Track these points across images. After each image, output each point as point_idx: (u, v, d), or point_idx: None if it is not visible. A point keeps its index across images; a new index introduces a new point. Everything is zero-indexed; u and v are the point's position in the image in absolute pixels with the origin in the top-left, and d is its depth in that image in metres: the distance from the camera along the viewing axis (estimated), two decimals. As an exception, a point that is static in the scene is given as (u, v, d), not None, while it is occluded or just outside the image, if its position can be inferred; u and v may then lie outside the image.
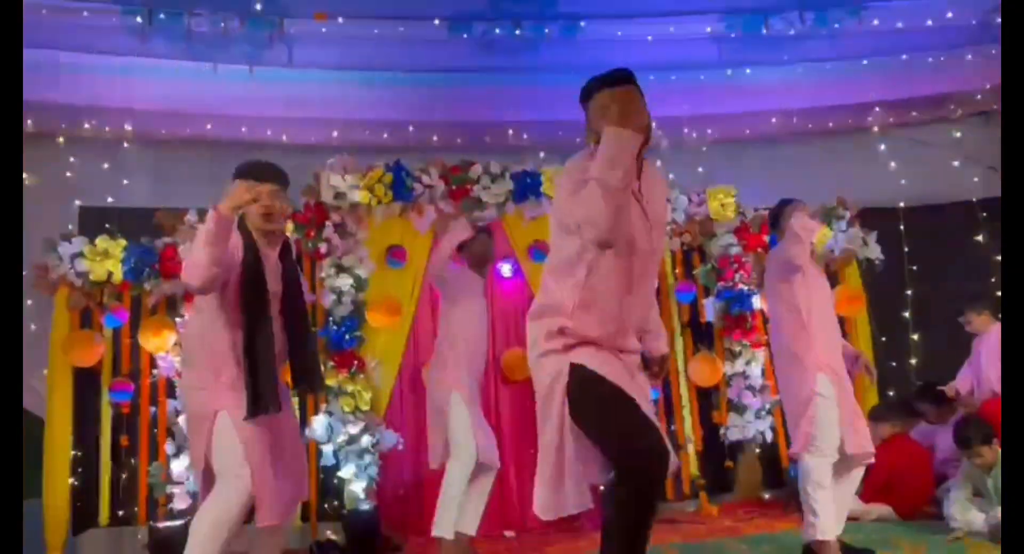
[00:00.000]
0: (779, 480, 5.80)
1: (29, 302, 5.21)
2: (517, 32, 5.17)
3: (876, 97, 6.00)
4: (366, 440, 5.14)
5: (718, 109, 6.00)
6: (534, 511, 2.54)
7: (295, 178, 3.40)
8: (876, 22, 5.26)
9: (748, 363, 5.82)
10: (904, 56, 5.69)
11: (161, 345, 5.14)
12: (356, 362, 5.28)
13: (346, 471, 5.09)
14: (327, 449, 5.14)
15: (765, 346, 5.68)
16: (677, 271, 6.08)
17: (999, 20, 4.90)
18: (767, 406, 5.78)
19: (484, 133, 6.03)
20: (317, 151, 5.70)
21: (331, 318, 5.34)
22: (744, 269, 5.92)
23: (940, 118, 6.43)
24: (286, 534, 3.22)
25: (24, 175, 4.79)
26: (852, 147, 6.51)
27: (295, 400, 4.10)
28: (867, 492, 4.87)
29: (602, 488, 2.50)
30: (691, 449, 5.81)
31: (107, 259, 5.22)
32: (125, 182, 5.73)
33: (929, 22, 5.29)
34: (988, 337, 5.36)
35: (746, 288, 5.88)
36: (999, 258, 5.70)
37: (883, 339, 6.18)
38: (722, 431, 5.83)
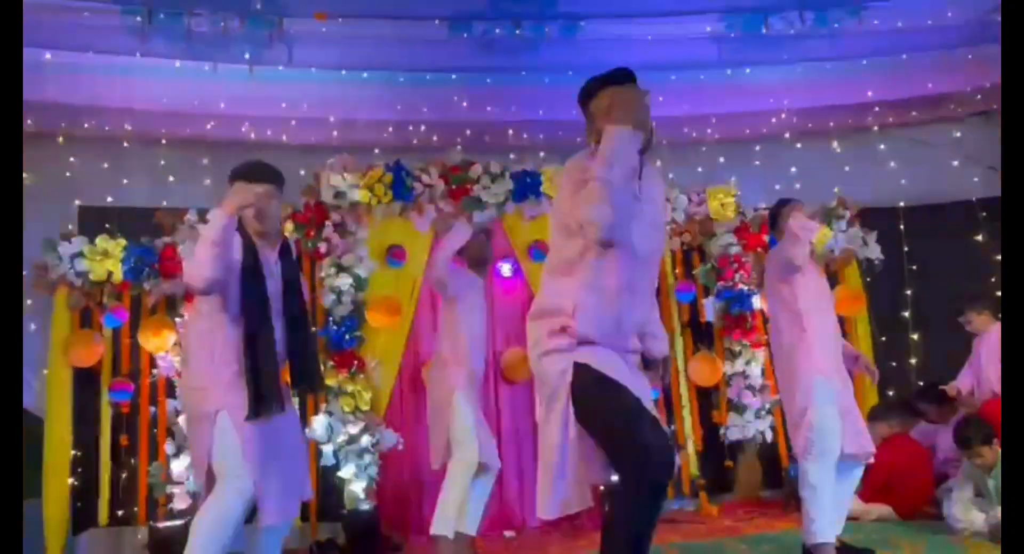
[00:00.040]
0: (779, 480, 5.79)
1: (29, 302, 5.20)
2: (517, 32, 5.16)
3: (876, 97, 5.99)
4: (366, 440, 5.14)
5: (718, 109, 6.00)
6: (535, 510, 2.54)
7: (295, 178, 3.40)
8: (876, 22, 5.24)
9: (748, 363, 5.82)
10: (904, 56, 5.68)
11: (161, 345, 5.14)
12: (356, 362, 5.28)
13: (346, 471, 5.09)
14: (327, 449, 5.14)
15: (765, 346, 5.68)
16: (677, 271, 6.08)
17: (999, 20, 4.89)
18: (767, 406, 5.79)
19: (484, 133, 6.03)
20: (317, 151, 5.71)
21: (331, 318, 5.34)
22: (744, 269, 5.93)
23: (940, 118, 6.41)
24: (286, 534, 3.20)
25: (24, 175, 4.79)
26: (852, 147, 6.50)
27: (295, 400, 4.10)
28: (867, 492, 4.87)
29: (602, 488, 2.50)
30: (691, 449, 5.81)
31: (107, 259, 5.23)
32: (125, 182, 5.72)
33: (929, 22, 5.28)
34: (988, 337, 5.35)
35: (746, 288, 5.89)
36: (999, 258, 5.70)
37: (883, 339, 6.18)
38: (722, 431, 5.84)
